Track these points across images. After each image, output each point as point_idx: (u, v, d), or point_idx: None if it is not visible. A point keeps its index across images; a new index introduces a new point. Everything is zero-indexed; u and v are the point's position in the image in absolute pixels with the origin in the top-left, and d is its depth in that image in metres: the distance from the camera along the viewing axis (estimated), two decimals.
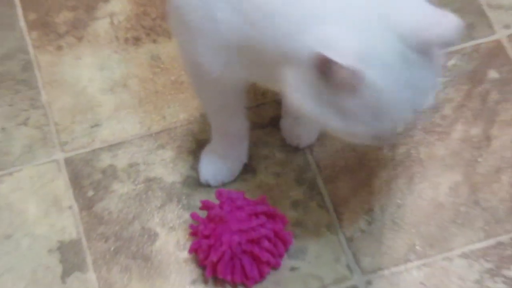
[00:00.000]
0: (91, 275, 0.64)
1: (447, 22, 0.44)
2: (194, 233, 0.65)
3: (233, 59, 0.51)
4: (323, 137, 0.70)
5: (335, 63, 0.41)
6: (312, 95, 0.46)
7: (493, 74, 0.75)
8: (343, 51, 0.42)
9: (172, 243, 0.66)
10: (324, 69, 0.42)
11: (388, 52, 0.45)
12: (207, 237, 0.64)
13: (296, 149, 0.70)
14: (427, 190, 0.68)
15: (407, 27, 0.44)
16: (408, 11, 0.46)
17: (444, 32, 0.44)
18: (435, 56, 0.47)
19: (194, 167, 0.69)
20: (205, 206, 0.65)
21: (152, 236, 0.66)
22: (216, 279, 0.64)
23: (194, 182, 0.69)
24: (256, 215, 0.65)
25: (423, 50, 0.45)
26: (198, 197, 0.67)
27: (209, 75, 0.55)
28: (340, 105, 0.45)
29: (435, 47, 0.47)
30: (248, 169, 0.70)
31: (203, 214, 0.65)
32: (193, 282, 0.63)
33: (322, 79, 0.44)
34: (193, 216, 0.65)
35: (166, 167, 0.70)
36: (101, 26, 0.80)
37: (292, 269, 0.63)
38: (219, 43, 0.51)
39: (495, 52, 0.77)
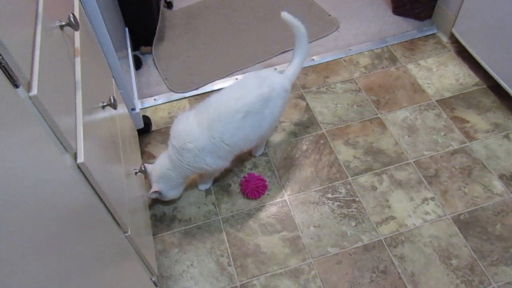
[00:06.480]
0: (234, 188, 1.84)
1: None
2: (241, 184, 1.83)
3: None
4: (276, 150, 1.90)
5: None
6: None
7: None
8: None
9: (235, 186, 1.84)
10: None
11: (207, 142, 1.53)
12: (244, 186, 1.81)
13: (263, 155, 1.91)
14: (307, 168, 1.86)
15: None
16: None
17: None
18: None
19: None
20: (244, 177, 1.85)
21: (229, 185, 1.83)
22: (247, 198, 1.77)
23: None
24: (258, 180, 1.82)
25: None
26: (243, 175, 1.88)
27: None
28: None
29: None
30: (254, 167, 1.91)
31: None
32: (243, 198, 1.79)
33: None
34: (241, 179, 1.86)
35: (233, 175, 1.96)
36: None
37: (268, 194, 1.82)
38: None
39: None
